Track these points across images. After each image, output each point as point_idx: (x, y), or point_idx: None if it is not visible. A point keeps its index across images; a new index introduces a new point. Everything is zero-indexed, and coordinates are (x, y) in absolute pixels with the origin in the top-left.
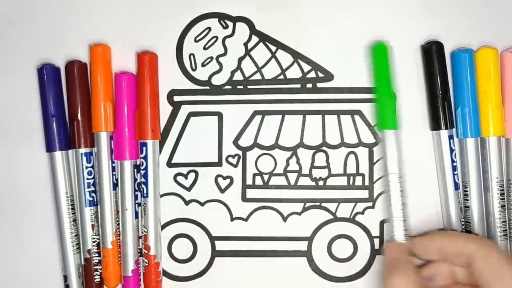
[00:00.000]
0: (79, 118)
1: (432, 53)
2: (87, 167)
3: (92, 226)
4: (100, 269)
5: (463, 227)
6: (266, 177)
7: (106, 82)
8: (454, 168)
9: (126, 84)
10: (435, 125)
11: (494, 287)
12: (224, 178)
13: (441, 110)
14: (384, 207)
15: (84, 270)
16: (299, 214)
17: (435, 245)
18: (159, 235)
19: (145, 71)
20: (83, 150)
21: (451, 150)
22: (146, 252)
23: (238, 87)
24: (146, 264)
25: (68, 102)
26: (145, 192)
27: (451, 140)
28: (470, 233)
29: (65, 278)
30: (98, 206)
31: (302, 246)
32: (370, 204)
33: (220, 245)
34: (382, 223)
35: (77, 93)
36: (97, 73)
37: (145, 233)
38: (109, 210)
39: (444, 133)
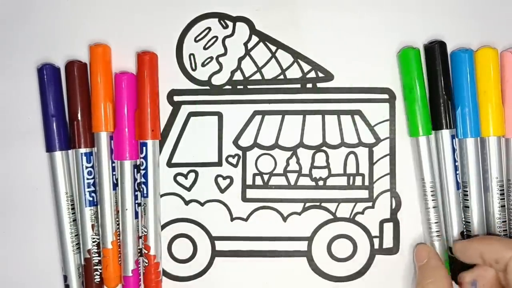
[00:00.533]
0: (79, 118)
1: (435, 52)
2: (87, 167)
3: (92, 226)
4: (100, 269)
5: (464, 227)
6: (266, 177)
7: (106, 82)
8: (456, 168)
9: (126, 84)
10: (437, 125)
11: None
12: (224, 178)
13: (444, 110)
14: (383, 207)
15: (84, 270)
16: (299, 214)
17: (474, 250)
18: (159, 235)
19: (145, 71)
20: (83, 150)
21: (454, 150)
22: (146, 252)
23: (238, 87)
24: (146, 264)
25: (68, 102)
26: (145, 192)
27: (454, 140)
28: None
29: (65, 278)
30: (98, 206)
31: (302, 246)
32: (370, 204)
33: (220, 245)
34: (381, 223)
35: (77, 93)
36: (97, 73)
37: (145, 233)
38: (109, 210)
39: (446, 132)
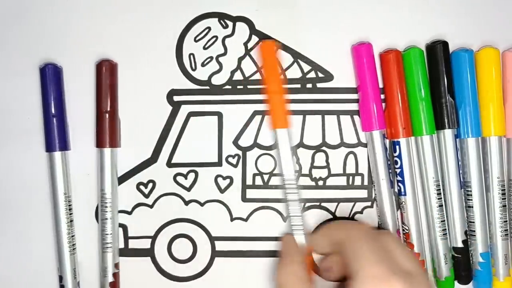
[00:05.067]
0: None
1: (437, 52)
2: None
3: None
4: None
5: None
6: (266, 177)
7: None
8: (459, 167)
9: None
10: (440, 124)
11: (355, 275)
12: (224, 178)
13: (446, 109)
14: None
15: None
16: None
17: (321, 240)
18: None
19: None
20: None
21: (456, 149)
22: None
23: (238, 87)
24: None
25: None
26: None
27: (457, 139)
28: (349, 220)
29: (60, 278)
30: None
31: None
32: (369, 203)
33: (220, 245)
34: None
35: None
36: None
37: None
38: None
39: (448, 132)
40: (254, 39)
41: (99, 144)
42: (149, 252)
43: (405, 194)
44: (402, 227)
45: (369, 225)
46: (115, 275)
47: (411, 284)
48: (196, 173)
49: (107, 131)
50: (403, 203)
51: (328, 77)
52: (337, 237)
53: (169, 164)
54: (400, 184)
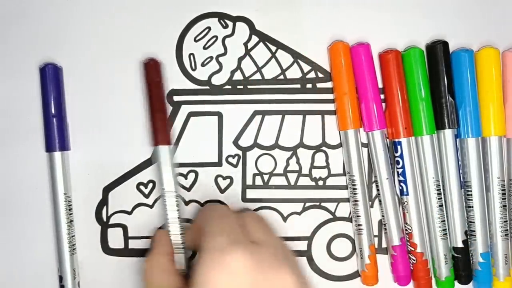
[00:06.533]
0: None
1: (437, 52)
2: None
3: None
4: None
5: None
6: (266, 177)
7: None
8: (459, 167)
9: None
10: (440, 124)
11: (201, 249)
12: (224, 178)
13: (446, 109)
14: (378, 208)
15: None
16: (299, 214)
17: (190, 232)
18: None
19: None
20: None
21: (456, 149)
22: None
23: (238, 87)
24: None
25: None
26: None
27: (457, 139)
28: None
29: (61, 278)
30: None
31: (302, 246)
32: (369, 203)
33: None
34: (380, 222)
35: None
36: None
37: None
38: None
39: (449, 132)
40: (254, 39)
41: (157, 142)
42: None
43: (407, 194)
44: (405, 226)
45: (229, 208)
46: None
47: (254, 252)
48: (196, 173)
49: (162, 129)
50: (406, 203)
51: (328, 77)
52: (198, 226)
53: None
54: (402, 184)
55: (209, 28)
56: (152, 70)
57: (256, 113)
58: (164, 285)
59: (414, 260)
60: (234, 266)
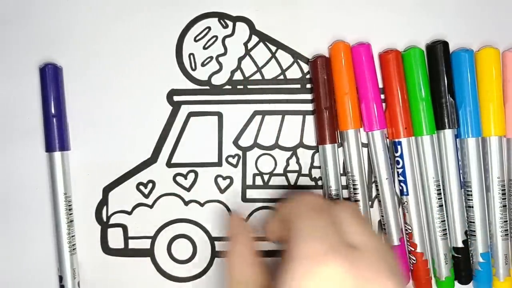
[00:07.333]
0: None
1: (438, 52)
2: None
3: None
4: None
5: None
6: (266, 177)
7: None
8: (459, 167)
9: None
10: (440, 124)
11: (288, 256)
12: (224, 178)
13: (447, 109)
14: (378, 208)
15: None
16: None
17: (273, 225)
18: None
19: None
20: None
21: (456, 149)
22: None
23: (238, 87)
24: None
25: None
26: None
27: (457, 139)
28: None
29: (60, 278)
30: None
31: None
32: (369, 203)
33: (220, 246)
34: (380, 222)
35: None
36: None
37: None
38: None
39: (449, 132)
40: (254, 39)
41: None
42: (149, 252)
43: (407, 194)
44: (405, 226)
45: (321, 197)
46: None
47: (354, 260)
48: (196, 173)
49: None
50: (406, 203)
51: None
52: (285, 218)
53: (169, 164)
54: (402, 184)
55: (209, 28)
56: (319, 67)
57: (256, 113)
58: (249, 280)
59: (414, 260)
60: (331, 279)
